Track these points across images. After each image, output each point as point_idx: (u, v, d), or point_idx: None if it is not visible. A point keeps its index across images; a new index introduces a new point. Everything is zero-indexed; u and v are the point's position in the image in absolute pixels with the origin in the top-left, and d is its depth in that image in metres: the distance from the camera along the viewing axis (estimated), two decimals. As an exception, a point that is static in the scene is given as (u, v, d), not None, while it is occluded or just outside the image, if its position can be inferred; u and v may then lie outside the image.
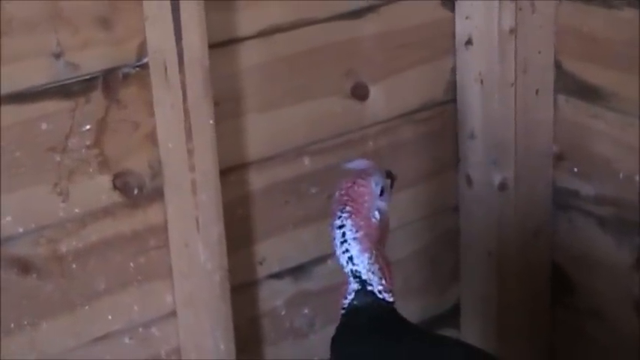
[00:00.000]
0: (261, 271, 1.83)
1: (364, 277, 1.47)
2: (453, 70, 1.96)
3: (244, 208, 1.78)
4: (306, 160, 1.83)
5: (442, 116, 1.97)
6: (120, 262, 1.63)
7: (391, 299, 1.49)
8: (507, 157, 1.98)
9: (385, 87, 1.88)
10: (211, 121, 1.59)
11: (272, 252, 1.83)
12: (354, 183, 1.47)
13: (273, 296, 1.85)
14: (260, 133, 1.76)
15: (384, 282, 1.48)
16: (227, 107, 1.69)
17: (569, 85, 1.98)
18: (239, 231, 1.77)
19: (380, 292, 1.48)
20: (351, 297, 1.50)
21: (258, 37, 1.70)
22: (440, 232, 2.05)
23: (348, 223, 1.45)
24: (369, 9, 1.81)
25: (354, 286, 1.49)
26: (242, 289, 1.80)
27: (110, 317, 1.65)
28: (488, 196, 2.00)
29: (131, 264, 1.64)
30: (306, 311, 1.90)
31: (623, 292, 1.97)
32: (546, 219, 2.08)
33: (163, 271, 1.66)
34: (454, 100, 1.98)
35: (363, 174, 1.49)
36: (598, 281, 2.03)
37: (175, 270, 1.66)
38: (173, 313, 1.69)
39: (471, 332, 2.15)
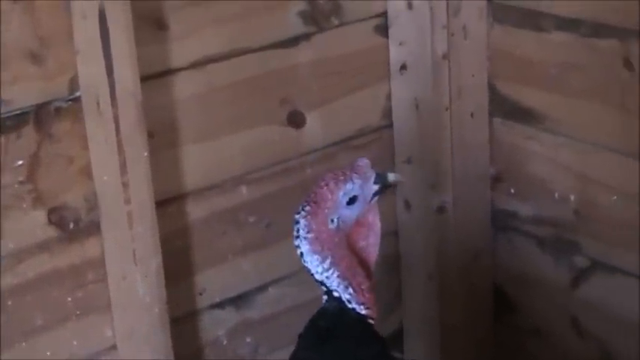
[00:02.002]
0: (202, 302, 1.82)
1: (318, 277, 1.46)
2: (389, 96, 1.98)
3: (183, 239, 1.77)
4: (244, 190, 1.83)
5: (379, 142, 1.99)
6: (58, 297, 1.62)
7: (363, 312, 1.47)
8: (445, 181, 2.00)
9: (321, 114, 1.89)
10: (146, 154, 1.59)
11: (212, 282, 1.83)
12: (326, 185, 1.45)
13: (215, 326, 1.85)
14: (197, 163, 1.76)
15: (351, 292, 1.46)
16: (162, 139, 1.70)
17: (503, 107, 2.00)
18: (178, 262, 1.77)
19: (349, 301, 1.46)
20: (325, 298, 1.49)
21: (192, 68, 1.71)
22: (380, 256, 2.04)
23: (302, 222, 1.43)
24: (303, 37, 1.83)
25: (322, 287, 1.47)
26: (183, 320, 1.79)
27: (49, 353, 1.63)
28: (426, 220, 2.02)
29: (69, 299, 1.63)
30: (248, 340, 1.90)
31: (562, 311, 2.00)
32: (486, 240, 2.10)
33: (102, 305, 1.65)
34: (390, 126, 2.00)
35: (343, 176, 1.45)
36: (537, 300, 2.06)
37: (114, 303, 1.65)
38: (114, 347, 1.68)
39: (415, 354, 2.16)
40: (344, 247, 1.46)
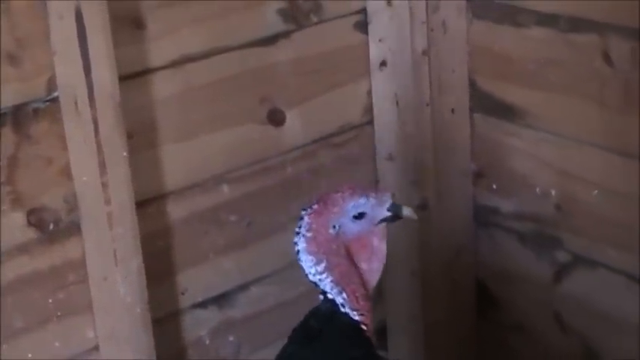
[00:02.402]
0: (184, 302, 1.82)
1: (311, 278, 1.48)
2: (369, 93, 1.97)
3: (164, 239, 1.77)
4: (225, 188, 1.82)
5: (360, 139, 1.99)
6: (38, 298, 1.61)
7: (356, 317, 1.47)
8: (426, 177, 2.00)
9: (301, 112, 1.89)
10: (125, 154, 1.58)
11: (194, 282, 1.82)
12: (341, 192, 1.47)
13: (197, 326, 1.85)
14: (177, 163, 1.75)
15: (345, 297, 1.47)
16: (142, 139, 1.69)
17: (484, 103, 2.00)
18: (160, 262, 1.76)
19: (342, 305, 1.47)
20: (320, 297, 1.50)
21: (170, 68, 1.70)
22: (363, 253, 2.05)
23: (306, 219, 1.46)
24: (282, 35, 1.82)
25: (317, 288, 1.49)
26: (165, 321, 1.79)
27: (30, 355, 1.62)
28: (408, 218, 2.01)
29: (50, 300, 1.62)
30: (231, 339, 1.89)
31: (544, 306, 2.00)
32: (468, 236, 2.10)
33: (84, 306, 1.64)
34: (371, 123, 1.99)
35: (360, 190, 1.48)
36: (520, 296, 2.06)
37: (96, 304, 1.64)
38: (96, 348, 1.67)
39: (398, 351, 2.16)
40: (342, 256, 1.47)
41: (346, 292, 1.47)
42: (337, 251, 1.46)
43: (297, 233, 1.47)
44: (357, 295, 1.48)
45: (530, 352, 2.08)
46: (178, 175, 1.76)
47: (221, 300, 1.87)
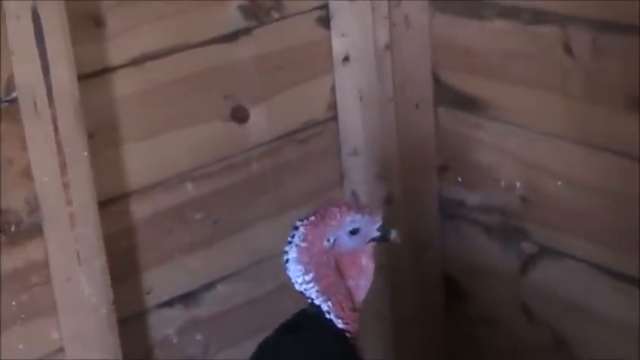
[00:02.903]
0: (150, 301, 1.81)
1: (297, 287, 1.49)
2: (333, 88, 1.97)
3: (128, 239, 1.76)
4: (189, 187, 1.82)
5: (324, 134, 1.99)
6: (2, 301, 1.60)
7: (341, 325, 1.50)
8: (392, 172, 2.00)
9: (265, 108, 1.88)
10: (86, 153, 1.57)
11: (160, 281, 1.81)
12: (338, 206, 1.50)
13: (163, 325, 1.84)
14: (140, 161, 1.74)
15: (330, 305, 1.49)
16: (104, 138, 1.68)
17: (448, 97, 2.01)
18: (124, 262, 1.75)
19: (328, 312, 1.49)
20: (309, 301, 1.51)
21: (131, 66, 1.69)
22: (330, 249, 2.05)
23: (302, 229, 1.48)
24: (244, 32, 1.82)
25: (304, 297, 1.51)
26: (131, 320, 1.78)
27: (-5, 358, 1.62)
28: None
29: (13, 302, 1.61)
30: (198, 338, 1.88)
31: (512, 297, 2.01)
32: (434, 230, 2.10)
33: (48, 308, 1.63)
34: (335, 118, 1.99)
35: (356, 206, 1.50)
36: (488, 288, 2.06)
37: (60, 306, 1.63)
38: (61, 350, 1.66)
39: (368, 346, 2.15)
40: (331, 268, 1.49)
41: (332, 301, 1.49)
42: (327, 263, 1.48)
43: (289, 243, 1.48)
44: (342, 305, 1.50)
45: (500, 344, 2.08)
46: (141, 173, 1.75)
47: (187, 299, 1.86)
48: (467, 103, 1.97)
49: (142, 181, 1.75)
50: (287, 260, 1.49)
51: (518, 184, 1.93)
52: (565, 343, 1.94)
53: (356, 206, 1.50)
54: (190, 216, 1.83)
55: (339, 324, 1.50)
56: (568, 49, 1.75)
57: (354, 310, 1.51)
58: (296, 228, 1.49)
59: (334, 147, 2.00)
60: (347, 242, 1.49)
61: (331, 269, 1.49)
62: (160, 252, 1.80)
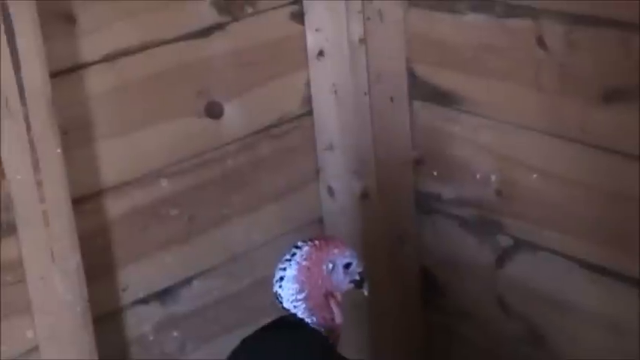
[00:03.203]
0: (126, 298, 1.80)
1: (286, 305, 1.53)
2: (308, 83, 1.97)
3: (103, 236, 1.75)
4: (164, 183, 1.81)
5: (299, 129, 1.98)
6: (-24, 300, 1.59)
7: (324, 334, 1.53)
8: (367, 166, 2.00)
9: (240, 104, 1.88)
10: (59, 151, 1.56)
11: (136, 278, 1.81)
12: (340, 241, 1.57)
13: (140, 322, 1.83)
14: (114, 158, 1.73)
15: (314, 320, 1.53)
16: (77, 135, 1.67)
17: (423, 91, 2.01)
18: (99, 259, 1.75)
19: (308, 317, 1.53)
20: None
21: (104, 62, 1.68)
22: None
23: (305, 248, 1.52)
24: (217, 27, 1.81)
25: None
26: (107, 318, 1.77)
27: (-31, 358, 1.61)
28: (350, 206, 2.02)
29: (-12, 302, 1.60)
30: (175, 334, 1.88)
31: (488, 291, 2.01)
32: (411, 224, 2.10)
33: (22, 307, 1.62)
34: (310, 113, 1.99)
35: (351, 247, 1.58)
36: (464, 281, 2.07)
37: (34, 304, 1.62)
38: (35, 349, 1.65)
39: (345, 341, 2.15)
40: (321, 293, 1.53)
41: (316, 317, 1.53)
42: (319, 287, 1.53)
43: (288, 260, 1.52)
44: (326, 320, 1.54)
45: (477, 337, 2.09)
46: (116, 170, 1.74)
47: (163, 295, 1.85)
48: (441, 96, 1.97)
49: (117, 178, 1.75)
50: (281, 277, 1.52)
51: (493, 178, 1.93)
52: (541, 336, 1.94)
53: (349, 245, 1.58)
54: (165, 212, 1.83)
55: (318, 327, 1.54)
56: (541, 42, 1.76)
57: (336, 328, 1.57)
58: (298, 247, 1.53)
59: (309, 142, 2.00)
60: (340, 274, 1.55)
61: (321, 294, 1.53)
62: (135, 249, 1.80)
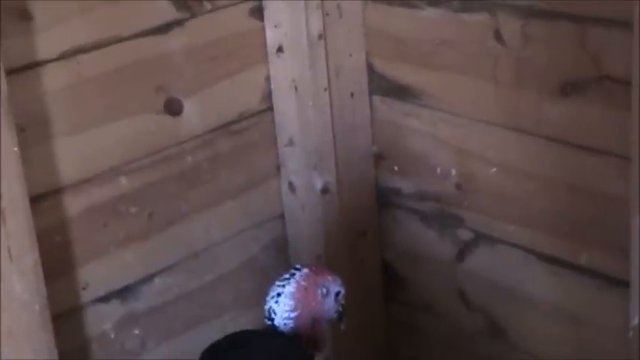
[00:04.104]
0: (86, 296, 1.79)
1: (276, 322, 1.60)
2: (267, 79, 1.97)
3: (62, 234, 1.74)
4: (123, 180, 1.80)
5: (259, 125, 1.98)
6: None
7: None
8: (327, 161, 2.00)
9: (199, 100, 1.87)
10: (15, 149, 1.54)
11: (95, 276, 1.79)
12: (331, 274, 1.67)
13: (100, 320, 1.82)
14: (72, 156, 1.72)
15: (298, 336, 1.61)
16: (34, 132, 1.66)
17: (382, 86, 2.02)
18: (58, 257, 1.73)
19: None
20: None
21: (60, 59, 1.67)
22: (268, 240, 2.05)
23: (305, 270, 1.62)
24: (176, 23, 1.80)
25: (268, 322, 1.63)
26: (67, 316, 1.76)
27: None
28: (311, 201, 2.02)
29: (-57, 301, 1.59)
30: (136, 332, 1.87)
31: (449, 284, 2.02)
32: (372, 218, 2.11)
33: (-21, 306, 1.61)
34: (270, 109, 1.99)
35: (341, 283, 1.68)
36: (425, 275, 2.08)
37: (-9, 303, 1.61)
38: (-7, 348, 1.64)
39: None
40: (310, 316, 1.62)
41: (302, 337, 1.62)
42: (311, 311, 1.62)
43: (288, 279, 1.61)
44: (309, 344, 1.63)
45: (438, 330, 2.10)
46: (74, 168, 1.73)
47: (124, 293, 1.84)
48: (401, 91, 1.98)
49: (75, 175, 1.73)
50: (279, 294, 1.60)
51: (453, 172, 1.94)
52: (501, 328, 1.96)
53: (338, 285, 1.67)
54: (125, 210, 1.82)
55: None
56: (498, 36, 1.77)
57: (319, 349, 1.66)
58: (298, 269, 1.63)
59: (270, 138, 2.00)
60: (331, 300, 1.65)
61: (310, 318, 1.62)
62: (95, 247, 1.79)
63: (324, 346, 1.66)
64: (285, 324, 1.60)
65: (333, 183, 2.02)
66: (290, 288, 1.60)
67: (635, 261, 1.58)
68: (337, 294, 1.66)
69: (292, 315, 1.60)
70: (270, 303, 1.61)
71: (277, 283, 1.62)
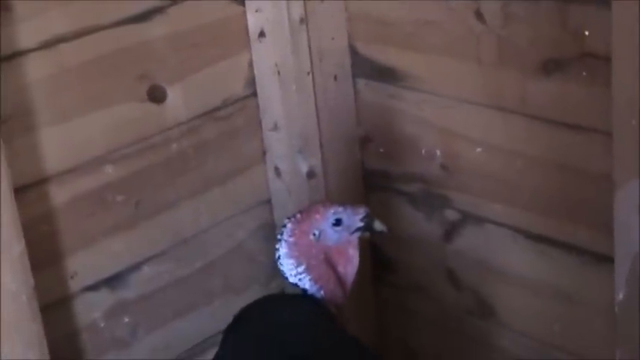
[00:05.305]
0: (74, 285, 1.79)
1: (291, 280, 1.59)
2: (251, 64, 1.97)
3: (49, 224, 1.74)
4: (109, 169, 1.80)
5: (244, 111, 1.98)
6: None
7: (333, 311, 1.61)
8: (313, 145, 2.01)
9: (183, 87, 1.87)
10: (-2, 140, 1.55)
11: (83, 265, 1.79)
12: (321, 202, 1.64)
13: (90, 309, 1.82)
14: (57, 146, 1.72)
15: (322, 294, 1.59)
16: (17, 123, 1.65)
17: (366, 68, 2.01)
18: (45, 247, 1.73)
19: (322, 299, 1.59)
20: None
21: (41, 49, 1.66)
22: (255, 226, 2.05)
23: (289, 225, 1.59)
24: (157, 11, 1.80)
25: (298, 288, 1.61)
26: (56, 306, 1.76)
27: None
28: (298, 186, 2.02)
29: None
30: (126, 320, 1.87)
31: (438, 264, 2.03)
32: (359, 201, 2.10)
33: (-34, 298, 1.61)
34: (255, 94, 1.99)
35: (337, 203, 1.62)
36: (414, 256, 2.08)
37: (-21, 295, 1.61)
38: (-19, 340, 1.64)
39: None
40: (320, 260, 1.59)
41: (324, 290, 1.59)
42: (316, 255, 1.59)
43: (279, 240, 1.59)
44: (333, 293, 1.60)
45: (428, 311, 2.11)
46: (58, 158, 1.72)
47: (113, 281, 1.84)
48: (384, 73, 1.98)
49: (59, 165, 1.73)
50: (279, 257, 1.59)
51: (438, 153, 1.95)
52: (490, 307, 1.97)
53: (338, 203, 1.61)
54: (112, 198, 1.82)
55: (332, 309, 1.60)
56: (480, 16, 1.77)
57: (344, 297, 1.63)
58: (284, 225, 1.59)
59: (254, 123, 2.00)
60: (331, 234, 1.59)
61: (321, 261, 1.59)
62: (82, 236, 1.78)
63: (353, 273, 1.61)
64: (300, 279, 1.58)
65: (319, 167, 2.02)
66: (283, 249, 1.59)
67: (618, 236, 1.59)
68: (337, 223, 1.59)
69: (300, 270, 1.58)
70: (279, 266, 1.60)
71: (276, 245, 1.60)
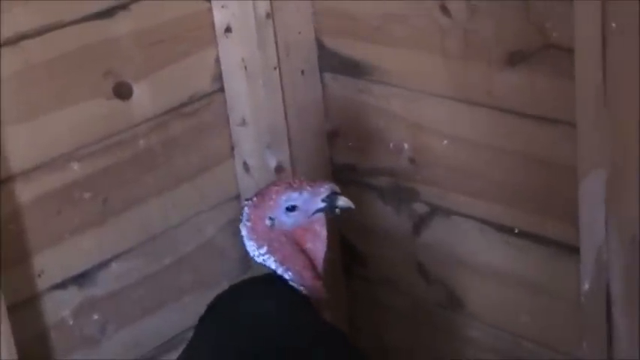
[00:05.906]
0: (42, 284, 1.78)
1: (257, 259, 1.55)
2: (217, 60, 1.96)
3: (15, 222, 1.73)
4: (76, 166, 1.79)
5: (211, 107, 1.98)
6: None
7: (303, 292, 1.56)
8: (281, 140, 2.01)
9: (149, 84, 1.87)
10: (-37, 138, 1.54)
11: (51, 263, 1.79)
12: (276, 186, 1.54)
13: (58, 307, 1.82)
14: (21, 143, 1.71)
15: (290, 275, 1.55)
16: (-18, 121, 1.65)
17: (333, 63, 2.02)
18: (13, 246, 1.72)
19: (290, 280, 1.55)
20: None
21: (5, 46, 1.65)
22: (225, 221, 2.05)
23: (246, 209, 1.54)
24: (120, 7, 1.79)
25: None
26: (24, 305, 1.76)
27: None
28: (267, 181, 2.00)
29: None
30: (95, 317, 1.87)
31: (407, 258, 2.03)
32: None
33: None
34: (222, 90, 1.98)
35: (295, 184, 1.53)
36: (384, 250, 2.09)
37: (-55, 296, 1.60)
38: (-52, 340, 1.63)
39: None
40: (282, 243, 1.54)
41: (292, 271, 1.55)
42: (277, 239, 1.54)
43: (240, 221, 1.55)
44: (303, 274, 1.55)
45: (399, 304, 2.11)
46: (24, 156, 1.72)
47: (81, 279, 1.84)
48: (351, 67, 1.98)
49: (25, 163, 1.72)
50: (241, 237, 1.55)
51: (406, 146, 1.95)
52: (459, 299, 1.97)
53: (296, 184, 1.53)
54: (79, 196, 1.81)
55: (302, 291, 1.55)
56: (445, 10, 1.77)
57: (316, 278, 1.57)
58: (243, 207, 1.55)
59: (222, 118, 2.00)
60: (287, 220, 1.53)
61: (283, 244, 1.54)
62: (49, 234, 1.78)
63: (322, 253, 1.57)
64: (264, 260, 1.54)
65: (288, 162, 2.02)
66: (243, 232, 1.54)
67: (583, 227, 1.60)
68: (291, 209, 1.52)
69: (262, 251, 1.54)
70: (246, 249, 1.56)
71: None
